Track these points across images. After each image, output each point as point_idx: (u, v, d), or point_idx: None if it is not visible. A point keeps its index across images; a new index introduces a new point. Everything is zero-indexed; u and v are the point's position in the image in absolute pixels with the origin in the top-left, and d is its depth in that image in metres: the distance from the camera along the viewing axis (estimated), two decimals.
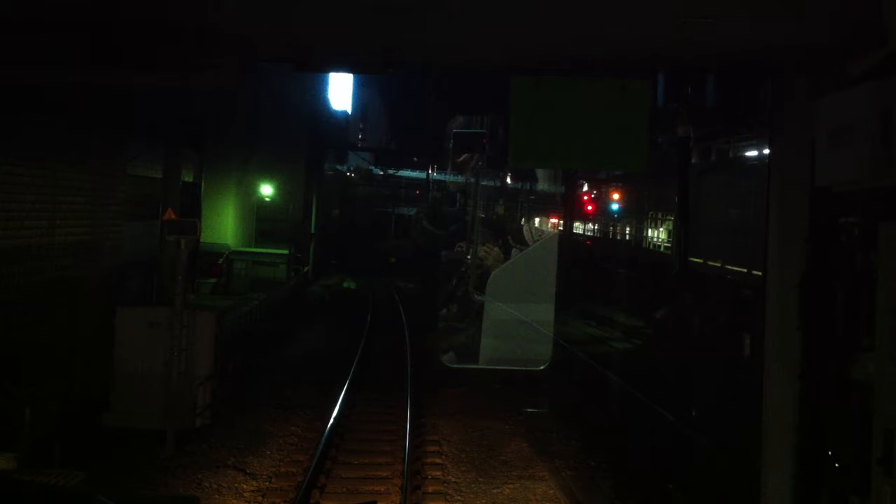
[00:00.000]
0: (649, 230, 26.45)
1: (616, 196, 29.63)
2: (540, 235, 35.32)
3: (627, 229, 28.67)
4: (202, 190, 26.56)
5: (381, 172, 54.42)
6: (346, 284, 35.73)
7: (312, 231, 36.81)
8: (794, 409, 3.99)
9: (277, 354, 16.54)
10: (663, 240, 25.59)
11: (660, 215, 26.30)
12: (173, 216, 12.21)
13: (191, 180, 24.84)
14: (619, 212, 29.89)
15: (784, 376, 4.04)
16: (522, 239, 33.94)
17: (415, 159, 53.07)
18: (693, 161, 19.93)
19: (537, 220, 38.26)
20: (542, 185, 35.98)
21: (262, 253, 30.72)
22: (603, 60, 4.11)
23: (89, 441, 8.90)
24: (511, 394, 13.10)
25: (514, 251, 29.37)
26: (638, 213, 27.10)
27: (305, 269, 34.15)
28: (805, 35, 3.67)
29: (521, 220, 37.19)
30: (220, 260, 27.85)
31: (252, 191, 33.59)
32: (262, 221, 34.32)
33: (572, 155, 4.15)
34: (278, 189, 33.73)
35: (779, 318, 4.16)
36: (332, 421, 10.85)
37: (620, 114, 3.98)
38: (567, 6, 3.53)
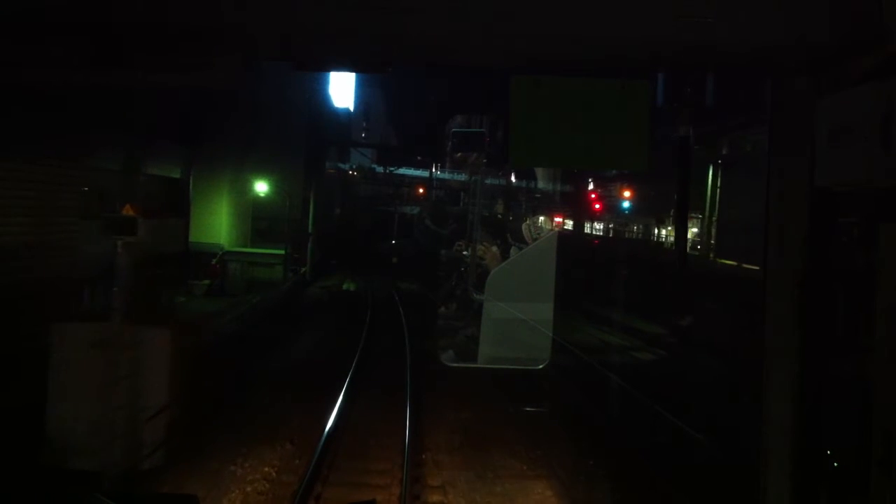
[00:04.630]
0: (668, 229, 25.48)
1: (627, 194, 29.03)
2: (539, 234, 35.24)
3: (642, 228, 27.99)
4: (191, 187, 25.90)
5: (384, 171, 54.15)
6: (345, 286, 35.04)
7: (310, 230, 36.01)
8: (793, 409, 3.99)
9: (264, 366, 15.26)
10: (688, 239, 24.84)
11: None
12: (132, 213, 11.31)
13: (178, 176, 24.17)
14: (630, 210, 29.18)
15: (784, 376, 4.05)
16: (522, 237, 33.88)
17: (418, 158, 52.97)
18: (723, 153, 19.38)
19: (541, 218, 38.02)
20: (542, 184, 35.92)
21: (257, 253, 30.04)
22: (603, 60, 4.11)
23: (23, 482, 7.16)
24: (525, 417, 11.87)
25: (513, 249, 29.29)
26: (653, 210, 26.27)
27: (303, 270, 33.41)
28: (805, 35, 3.67)
29: (524, 219, 37.05)
30: (214, 260, 27.26)
31: (248, 188, 32.70)
32: (258, 220, 33.39)
33: (572, 154, 4.14)
34: (276, 187, 32.83)
35: (778, 318, 4.16)
36: (315, 459, 9.33)
37: (621, 113, 3.98)
38: (567, 6, 3.53)
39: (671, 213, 25.78)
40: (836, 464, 3.79)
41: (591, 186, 32.24)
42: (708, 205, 24.00)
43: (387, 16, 3.64)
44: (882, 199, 3.36)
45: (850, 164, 3.37)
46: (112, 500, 2.52)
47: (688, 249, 23.96)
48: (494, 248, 27.36)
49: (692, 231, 24.56)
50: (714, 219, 22.97)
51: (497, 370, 13.56)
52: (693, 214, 24.28)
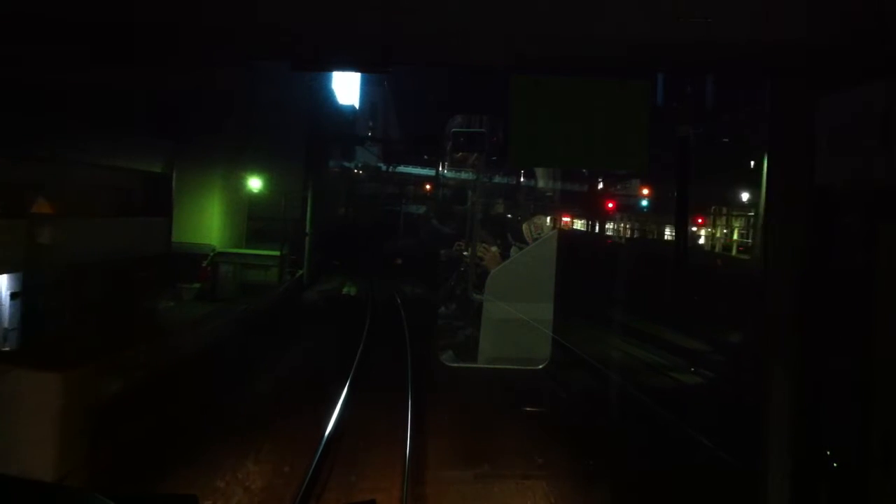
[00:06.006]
0: (712, 230, 22.95)
1: (646, 191, 27.53)
2: (539, 234, 34.80)
3: (655, 228, 26.18)
4: (174, 182, 23.77)
5: (390, 170, 53.30)
6: (345, 289, 33.46)
7: (307, 230, 34.21)
8: (793, 409, 3.99)
9: (236, 394, 12.83)
10: (735, 240, 22.67)
11: (724, 210, 23.15)
12: (48, 210, 9.86)
13: (159, 171, 22.50)
14: (649, 208, 27.70)
15: (784, 376, 4.05)
16: (522, 237, 33.47)
17: (425, 157, 52.08)
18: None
19: (547, 218, 37.52)
20: (545, 183, 35.59)
21: (251, 254, 28.06)
22: (603, 60, 4.11)
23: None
24: (559, 468, 10.03)
25: (513, 249, 28.87)
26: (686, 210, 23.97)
27: (299, 273, 31.78)
28: (805, 35, 3.68)
29: (530, 218, 36.41)
30: (205, 263, 25.61)
31: (243, 186, 30.62)
32: (255, 220, 31.48)
33: (572, 154, 4.14)
34: (274, 184, 30.72)
35: (778, 318, 4.16)
36: None
37: (620, 114, 3.98)
38: (567, 6, 3.54)
39: (712, 210, 23.63)
40: (835, 464, 3.79)
41: (601, 184, 31.01)
42: (763, 200, 21.32)
43: (387, 16, 3.65)
44: (882, 199, 3.36)
45: (850, 164, 3.37)
46: (112, 500, 2.52)
47: (733, 253, 22.35)
48: (494, 248, 27.01)
49: (739, 232, 22.82)
50: None
51: (515, 405, 12.27)
52: (739, 213, 22.70)
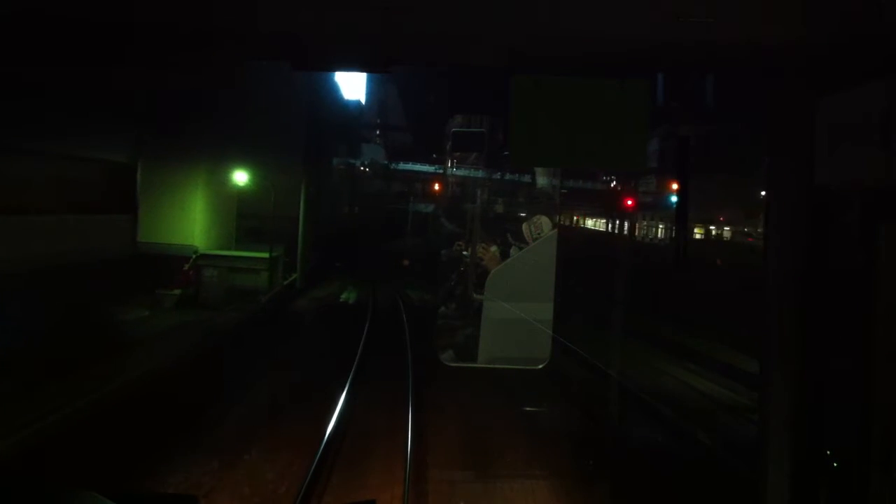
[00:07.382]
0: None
1: (675, 186, 26.63)
2: (539, 233, 34.64)
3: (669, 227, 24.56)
4: (140, 174, 21.26)
5: (397, 167, 52.50)
6: (343, 296, 30.76)
7: (301, 230, 31.78)
8: (793, 409, 3.99)
9: (170, 454, 10.62)
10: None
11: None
12: None
13: (123, 161, 20.05)
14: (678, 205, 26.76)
15: (784, 376, 4.05)
16: (522, 237, 33.33)
17: (433, 156, 51.56)
18: None
19: (557, 217, 36.74)
20: (547, 180, 35.25)
21: (239, 257, 25.25)
22: (603, 60, 4.11)
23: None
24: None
25: (513, 249, 28.71)
26: (719, 206, 20.65)
27: (293, 277, 29.47)
28: (805, 35, 3.68)
29: (530, 217, 36.15)
30: (187, 266, 23.23)
31: (231, 181, 27.21)
32: (246, 218, 28.56)
33: (573, 154, 4.15)
34: (268, 179, 27.81)
35: (778, 318, 4.16)
36: None
37: (620, 113, 3.99)
38: (567, 6, 3.54)
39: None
40: (835, 464, 3.79)
41: (616, 180, 29.98)
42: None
43: (387, 16, 3.65)
44: (882, 199, 3.37)
45: (850, 164, 3.38)
46: (111, 500, 2.52)
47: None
48: (494, 248, 26.88)
49: None
50: None
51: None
52: None
